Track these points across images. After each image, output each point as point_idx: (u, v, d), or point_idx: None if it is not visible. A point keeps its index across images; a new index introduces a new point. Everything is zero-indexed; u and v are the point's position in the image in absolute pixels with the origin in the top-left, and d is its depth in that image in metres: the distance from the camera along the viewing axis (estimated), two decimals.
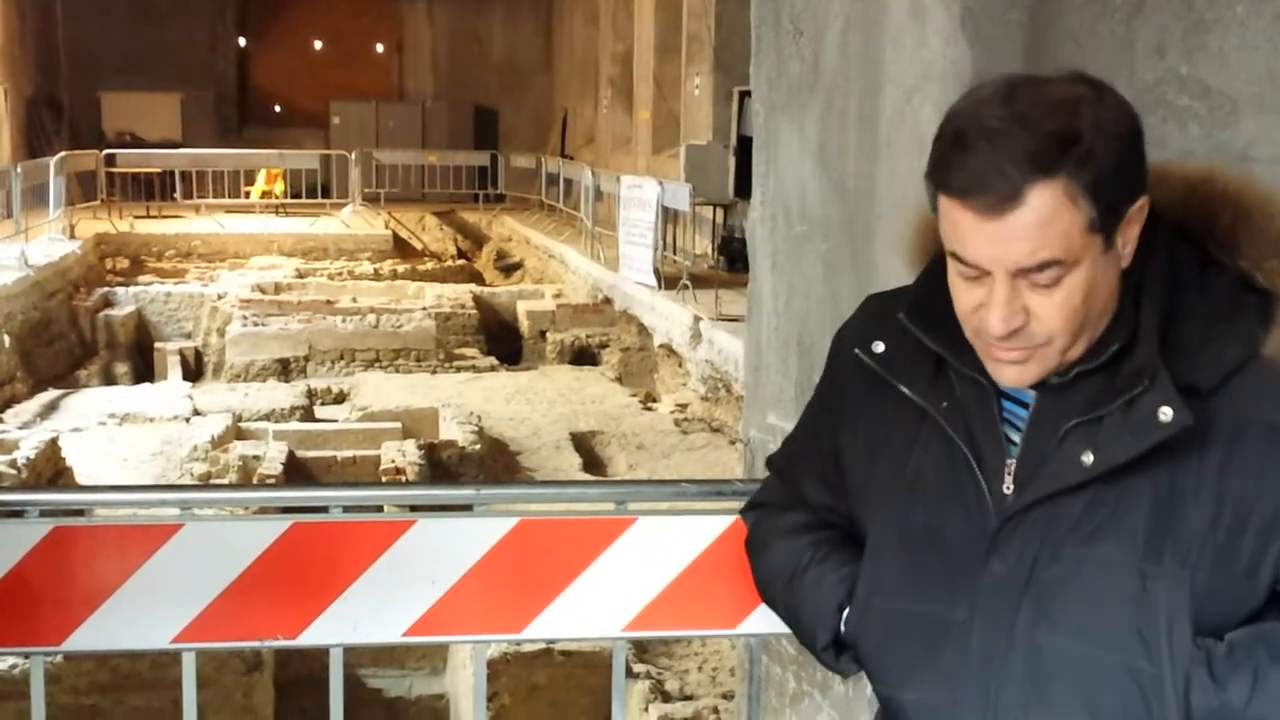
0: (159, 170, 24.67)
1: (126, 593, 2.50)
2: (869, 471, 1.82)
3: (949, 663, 1.68)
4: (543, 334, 16.54)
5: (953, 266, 1.61)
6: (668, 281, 14.41)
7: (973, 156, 1.52)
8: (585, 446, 11.69)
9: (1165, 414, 1.54)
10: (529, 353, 16.65)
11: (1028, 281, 1.54)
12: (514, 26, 31.14)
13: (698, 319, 12.82)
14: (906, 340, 1.73)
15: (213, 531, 2.62)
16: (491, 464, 11.01)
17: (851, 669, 1.89)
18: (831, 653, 1.88)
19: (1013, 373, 1.62)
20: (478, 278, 22.11)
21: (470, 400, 12.86)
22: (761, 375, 3.56)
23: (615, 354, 15.44)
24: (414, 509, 2.85)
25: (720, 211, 16.54)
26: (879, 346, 1.77)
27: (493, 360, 15.69)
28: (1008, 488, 1.66)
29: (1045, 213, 1.50)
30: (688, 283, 13.86)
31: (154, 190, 24.50)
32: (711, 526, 2.57)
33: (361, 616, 2.56)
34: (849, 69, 2.95)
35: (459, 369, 14.98)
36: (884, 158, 2.78)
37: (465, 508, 2.66)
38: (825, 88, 3.08)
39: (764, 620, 2.59)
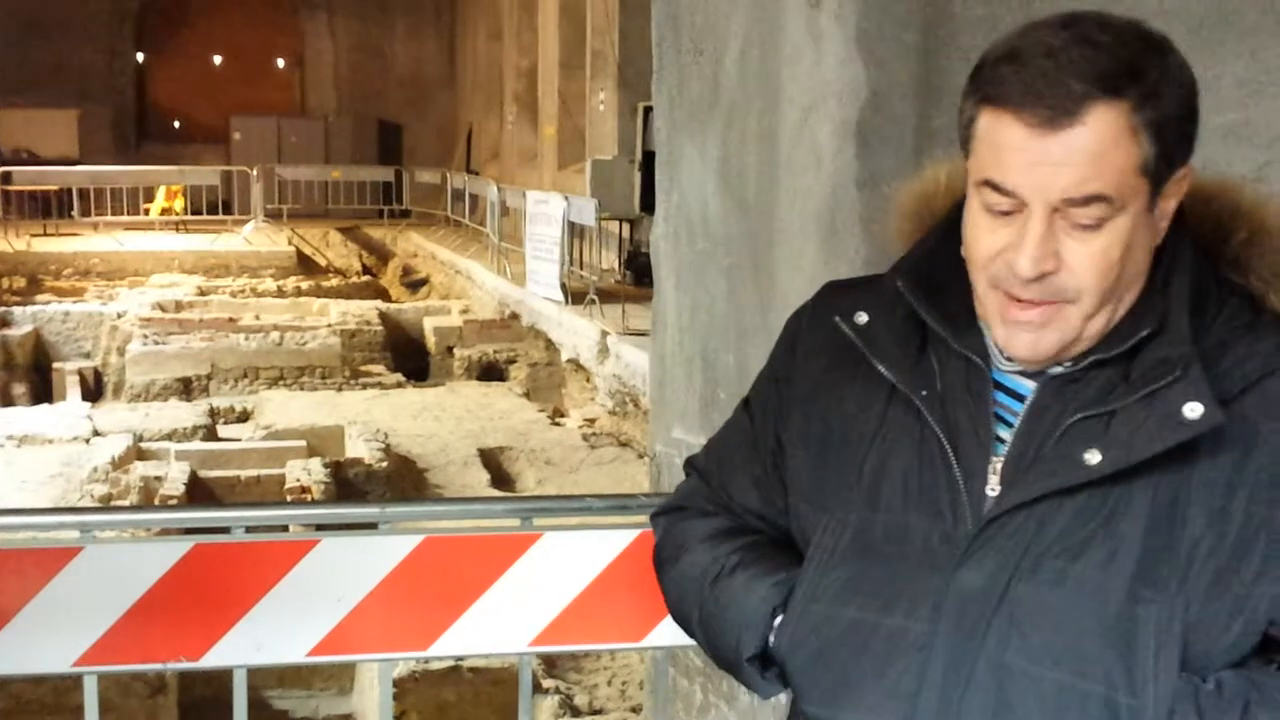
0: (56, 187, 24.18)
1: (26, 616, 2.47)
2: (820, 466, 1.61)
3: (900, 681, 1.48)
4: (450, 350, 16.46)
5: (980, 201, 1.44)
6: (575, 296, 14.42)
7: (1031, 69, 1.37)
8: (494, 462, 11.65)
9: (1194, 410, 1.37)
10: (436, 369, 16.56)
11: (1067, 221, 1.39)
12: (417, 41, 31.00)
13: (605, 334, 12.85)
14: (893, 317, 1.56)
15: (113, 553, 2.59)
16: (399, 481, 10.94)
17: (775, 689, 1.65)
18: (757, 666, 1.63)
19: (1027, 339, 1.44)
20: (383, 294, 21.95)
21: (377, 417, 12.76)
22: (666, 390, 3.59)
23: (523, 369, 15.41)
24: (320, 528, 2.84)
25: (627, 226, 16.59)
26: (862, 317, 1.57)
27: (399, 377, 15.57)
28: (992, 489, 1.48)
29: (1104, 138, 1.36)
30: (594, 298, 13.89)
31: (51, 208, 24.02)
32: (617, 540, 2.59)
33: (265, 637, 2.54)
34: (748, 88, 3.00)
35: (365, 386, 14.85)
36: (783, 175, 2.82)
37: (371, 526, 2.66)
38: (725, 106, 3.12)
39: (671, 633, 2.61)
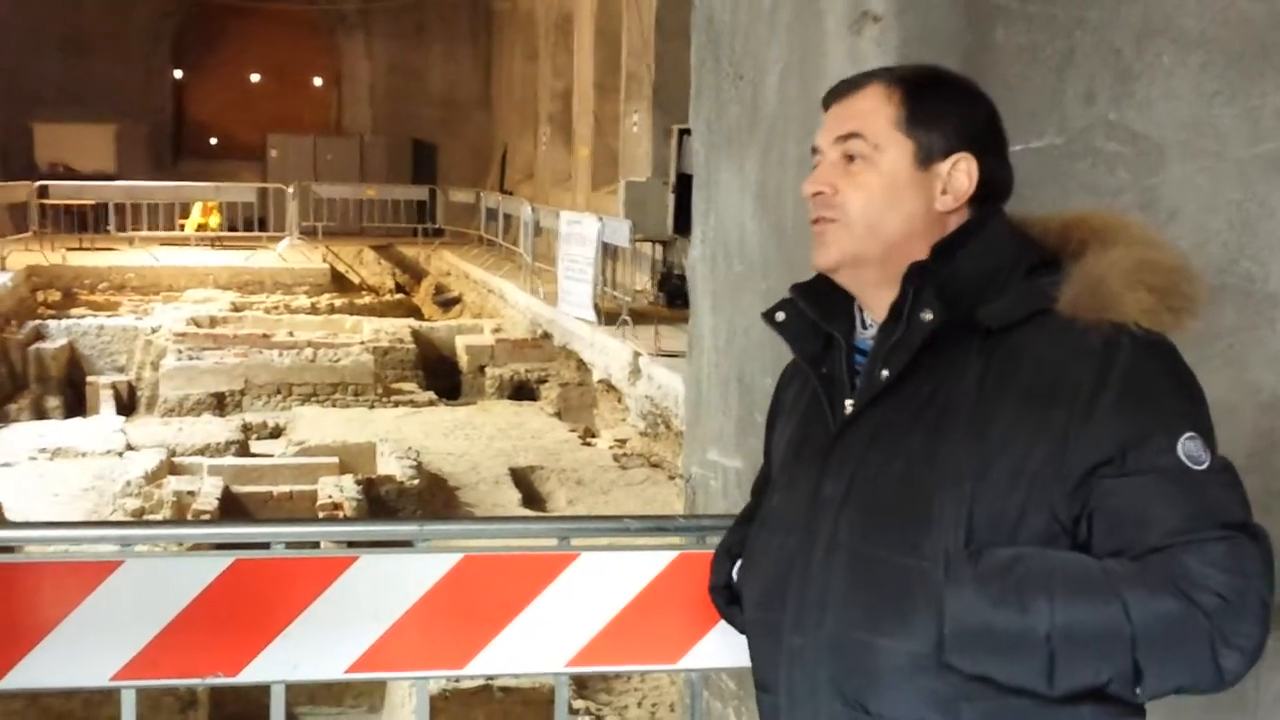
0: (92, 202, 24.37)
1: (65, 630, 2.48)
2: (779, 447, 2.11)
3: (789, 578, 1.92)
4: (481, 369, 16.50)
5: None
6: (607, 317, 14.44)
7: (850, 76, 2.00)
8: (524, 482, 11.67)
9: (926, 315, 1.82)
10: (468, 387, 16.60)
11: (843, 161, 1.90)
12: (453, 61, 31.17)
13: (637, 354, 12.86)
14: (803, 317, 2.03)
15: (153, 568, 2.61)
16: (430, 499, 10.96)
17: (741, 619, 2.14)
18: (723, 595, 2.20)
19: (818, 248, 1.94)
20: (416, 312, 22.03)
21: (408, 435, 12.80)
22: (702, 412, 3.60)
23: (554, 389, 15.43)
24: (353, 545, 2.85)
25: (660, 248, 16.62)
26: (780, 315, 2.05)
27: (431, 395, 15.61)
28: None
29: (868, 101, 1.91)
30: (627, 318, 13.91)
31: (87, 222, 24.21)
32: (654, 562, 2.59)
33: (303, 653, 2.55)
34: (788, 112, 3.01)
35: (397, 404, 14.90)
36: None
37: (407, 543, 2.67)
38: (764, 130, 3.14)
39: (705, 655, 2.62)
